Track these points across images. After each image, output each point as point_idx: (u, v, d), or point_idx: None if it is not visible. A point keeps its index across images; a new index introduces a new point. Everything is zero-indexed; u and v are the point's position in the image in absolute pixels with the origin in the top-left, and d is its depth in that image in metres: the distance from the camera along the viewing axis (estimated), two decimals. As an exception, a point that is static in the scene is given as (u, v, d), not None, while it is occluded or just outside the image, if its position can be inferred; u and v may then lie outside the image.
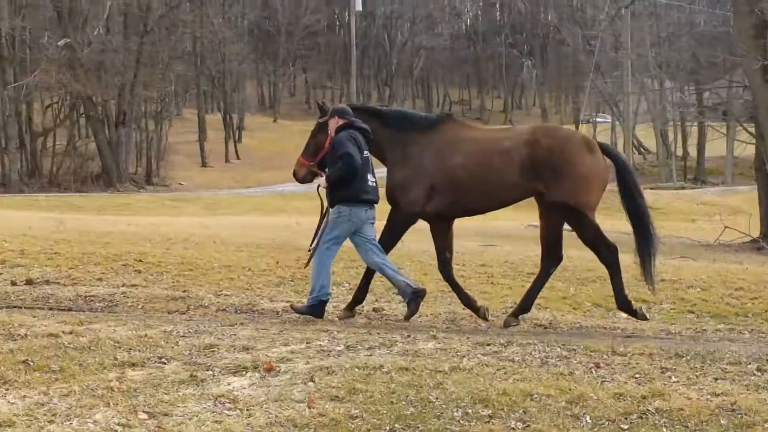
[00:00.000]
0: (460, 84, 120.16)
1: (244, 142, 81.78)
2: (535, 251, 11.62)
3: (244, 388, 6.84)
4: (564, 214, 10.59)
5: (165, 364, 7.41)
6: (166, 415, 6.24)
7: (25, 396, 6.60)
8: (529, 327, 10.76)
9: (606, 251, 10.57)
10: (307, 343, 8.16)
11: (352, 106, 11.24)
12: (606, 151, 10.85)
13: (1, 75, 53.28)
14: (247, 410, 6.38)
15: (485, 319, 10.86)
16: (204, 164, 70.59)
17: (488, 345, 8.18)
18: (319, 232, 10.69)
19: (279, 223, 27.42)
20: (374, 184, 10.73)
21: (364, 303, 11.19)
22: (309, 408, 6.39)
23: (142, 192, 55.37)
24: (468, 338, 8.62)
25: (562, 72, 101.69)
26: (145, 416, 6.20)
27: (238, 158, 76.51)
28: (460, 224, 11.41)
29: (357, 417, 6.29)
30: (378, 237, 10.74)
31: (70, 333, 8.24)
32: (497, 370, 7.34)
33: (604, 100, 75.64)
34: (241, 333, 8.58)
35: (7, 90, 52.21)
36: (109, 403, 6.41)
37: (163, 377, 7.02)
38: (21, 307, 10.95)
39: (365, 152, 10.61)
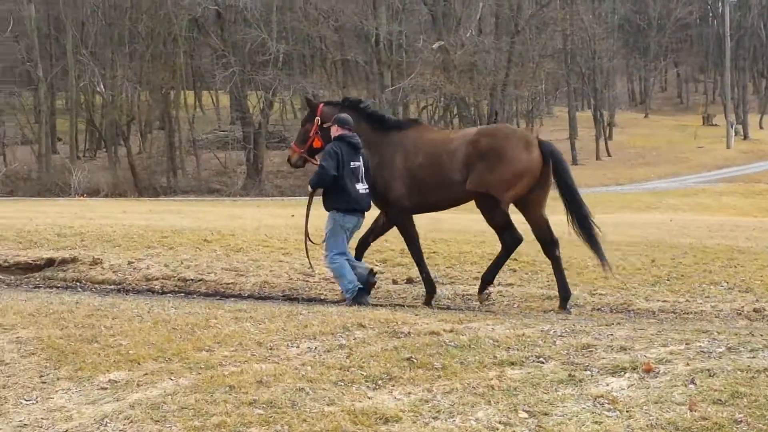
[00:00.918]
0: None
1: (615, 138, 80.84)
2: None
3: (623, 389, 6.71)
4: (481, 201, 11.52)
5: (543, 363, 7.40)
6: (545, 414, 6.23)
7: (410, 392, 6.80)
8: None
9: (510, 238, 11.64)
10: (686, 344, 7.91)
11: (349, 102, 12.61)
12: (544, 148, 11.49)
13: (379, 78, 55.42)
14: (626, 411, 6.25)
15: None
16: (575, 162, 70.41)
17: None
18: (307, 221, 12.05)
19: (652, 220, 26.85)
20: (365, 191, 11.73)
21: None
22: (690, 411, 6.19)
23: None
24: None
25: None
26: (525, 415, 6.22)
27: (609, 155, 75.68)
28: None
29: (741, 422, 6.01)
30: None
31: (451, 331, 8.41)
32: None
33: None
34: (618, 333, 8.43)
35: (385, 93, 54.21)
36: (490, 401, 6.48)
37: (542, 376, 7.01)
38: (403, 305, 11.35)
39: (352, 163, 11.59)
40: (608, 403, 6.37)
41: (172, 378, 7.36)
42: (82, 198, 48.14)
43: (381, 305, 11.47)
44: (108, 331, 9.02)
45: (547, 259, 11.93)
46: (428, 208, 12.32)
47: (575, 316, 10.34)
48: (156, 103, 60.73)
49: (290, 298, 12.38)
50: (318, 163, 12.20)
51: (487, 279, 11.84)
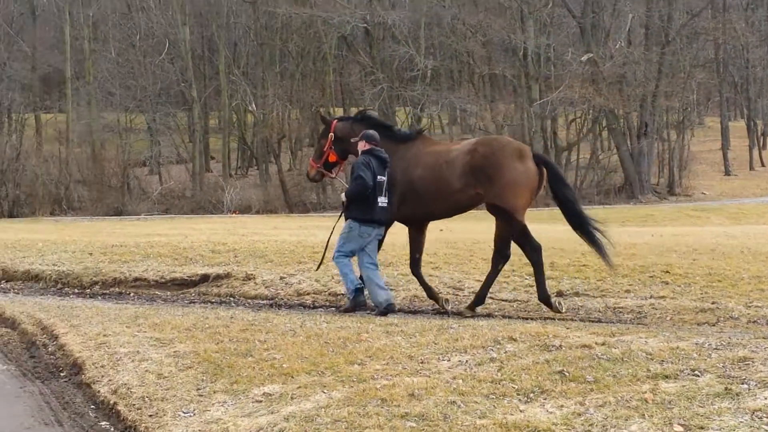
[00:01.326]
0: None
1: (770, 148, 78.74)
2: None
3: (782, 404, 6.54)
4: (495, 214, 12.09)
5: (698, 376, 7.24)
6: (701, 428, 6.09)
7: (562, 405, 6.74)
8: None
9: (530, 249, 12.23)
10: None
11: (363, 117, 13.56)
12: (539, 159, 12.13)
13: (527, 92, 55.20)
14: (786, 428, 6.09)
15: (445, 310, 12.43)
16: (727, 173, 68.77)
17: None
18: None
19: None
20: (384, 205, 12.34)
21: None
22: None
23: (665, 202, 55.02)
24: None
25: None
26: (680, 429, 6.09)
27: (762, 165, 73.70)
28: None
29: None
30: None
31: (603, 344, 8.30)
32: None
33: None
34: (776, 347, 8.21)
35: (533, 106, 53.96)
36: (644, 415, 6.37)
37: (697, 390, 6.86)
38: (553, 319, 11.27)
39: (379, 177, 12.24)
40: (766, 417, 6.20)
41: (325, 391, 7.45)
42: (234, 215, 49.14)
43: (532, 318, 11.42)
44: (262, 345, 9.19)
45: (698, 271, 11.73)
46: (430, 216, 12.92)
47: (730, 329, 10.09)
48: (306, 120, 61.58)
49: (440, 312, 12.40)
50: (334, 176, 13.62)
51: (543, 298, 12.13)
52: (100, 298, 15.02)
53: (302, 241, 18.72)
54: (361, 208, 12.31)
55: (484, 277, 12.69)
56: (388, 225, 12.72)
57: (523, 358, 8.01)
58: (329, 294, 13.99)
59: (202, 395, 7.76)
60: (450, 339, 8.94)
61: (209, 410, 7.40)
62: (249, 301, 13.90)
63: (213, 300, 14.42)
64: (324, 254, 13.25)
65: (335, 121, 13.53)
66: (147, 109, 61.09)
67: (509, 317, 11.73)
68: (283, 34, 62.92)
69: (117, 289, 15.52)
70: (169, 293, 15.02)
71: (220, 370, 8.32)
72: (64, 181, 55.99)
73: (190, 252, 17.25)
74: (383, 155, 12.45)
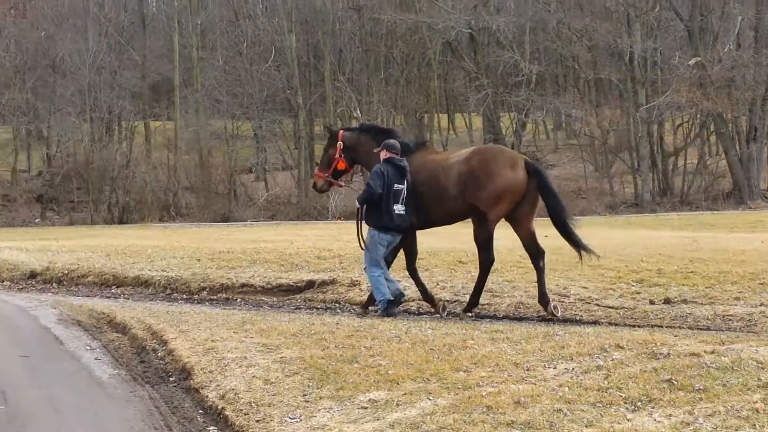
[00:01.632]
0: None
1: None
2: None
3: None
4: (473, 215, 12.77)
5: (811, 387, 7.11)
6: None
7: (670, 415, 6.66)
8: None
9: (485, 256, 12.81)
10: None
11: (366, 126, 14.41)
12: (530, 168, 12.76)
13: (633, 97, 54.47)
14: None
15: (440, 312, 12.94)
16: (842, 178, 66.98)
17: None
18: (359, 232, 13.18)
19: None
20: (402, 212, 12.80)
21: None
22: None
23: (776, 208, 53.86)
24: None
25: None
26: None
27: None
28: None
29: None
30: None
31: (712, 353, 8.17)
32: None
33: None
34: None
35: (639, 111, 53.24)
36: (755, 425, 6.27)
37: (811, 401, 6.74)
38: (661, 326, 11.12)
39: (396, 185, 12.72)
40: None
41: (431, 398, 7.46)
42: (339, 221, 49.34)
43: (638, 326, 11.28)
44: (367, 351, 9.24)
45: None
46: (431, 223, 13.46)
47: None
48: (410, 126, 61.59)
49: (545, 319, 12.33)
50: (342, 184, 14.68)
51: (473, 303, 12.88)
52: (207, 303, 15.25)
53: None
54: (376, 216, 12.85)
55: (590, 284, 12.68)
56: (407, 232, 13.13)
57: (630, 366, 7.94)
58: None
59: (308, 401, 7.84)
60: (556, 346, 8.89)
61: (315, 416, 7.47)
62: (354, 307, 13.96)
63: (318, 306, 14.52)
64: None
65: (342, 131, 14.12)
66: (253, 116, 61.75)
67: (615, 324, 11.61)
68: (388, 40, 63.12)
69: (224, 294, 15.73)
70: (275, 299, 15.16)
71: (326, 376, 8.39)
72: (172, 188, 56.86)
73: (296, 258, 17.40)
74: (402, 164, 12.96)
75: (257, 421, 7.64)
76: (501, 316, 12.86)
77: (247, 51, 62.89)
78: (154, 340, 10.92)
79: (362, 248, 13.07)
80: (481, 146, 15.59)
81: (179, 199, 56.69)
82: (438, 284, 14.66)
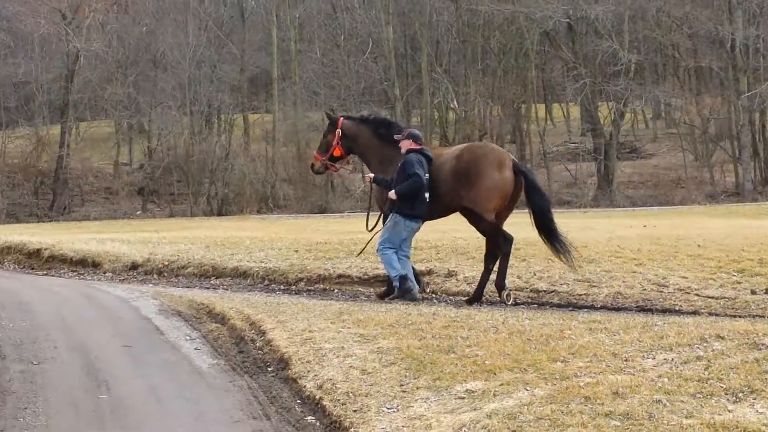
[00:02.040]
0: None
1: None
2: None
3: None
4: (466, 215, 13.59)
5: None
6: None
7: (773, 406, 6.56)
8: None
9: (503, 241, 13.35)
10: None
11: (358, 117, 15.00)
12: (517, 168, 13.48)
13: (734, 84, 53.48)
14: None
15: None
16: None
17: None
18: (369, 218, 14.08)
19: None
20: (427, 200, 13.30)
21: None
22: None
23: None
24: None
25: None
26: None
27: None
28: None
29: None
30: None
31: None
32: None
33: None
34: None
35: (740, 99, 52.25)
36: None
37: None
38: (762, 316, 10.93)
39: (426, 174, 13.18)
40: None
41: (528, 388, 7.44)
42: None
43: (740, 316, 11.10)
44: (464, 341, 9.23)
45: None
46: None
47: None
48: (507, 117, 61.33)
49: (644, 309, 12.20)
50: (338, 168, 15.47)
51: (501, 285, 13.31)
52: (305, 294, 15.35)
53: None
54: (410, 204, 13.22)
55: (689, 274, 12.56)
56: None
57: (731, 357, 7.81)
58: (531, 290, 13.93)
59: (405, 391, 7.86)
60: (655, 336, 8.78)
61: (412, 406, 7.49)
62: (451, 297, 13.97)
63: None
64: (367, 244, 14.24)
65: (341, 118, 14.77)
66: (350, 108, 61.96)
67: (716, 315, 11.44)
68: (485, 30, 62.77)
69: (321, 285, 15.83)
70: (371, 290, 15.21)
71: (423, 366, 8.40)
72: (270, 180, 57.28)
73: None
74: (430, 154, 13.52)
75: (354, 411, 7.68)
76: (599, 306, 12.76)
77: (344, 43, 63.17)
78: (253, 331, 11.03)
79: (368, 230, 13.88)
80: (473, 143, 15.92)
81: (277, 190, 57.14)
82: (535, 274, 14.59)
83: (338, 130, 14.56)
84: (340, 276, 16.09)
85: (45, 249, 21.10)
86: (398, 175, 13.33)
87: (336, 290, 15.70)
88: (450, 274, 15.21)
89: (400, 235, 13.34)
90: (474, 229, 13.90)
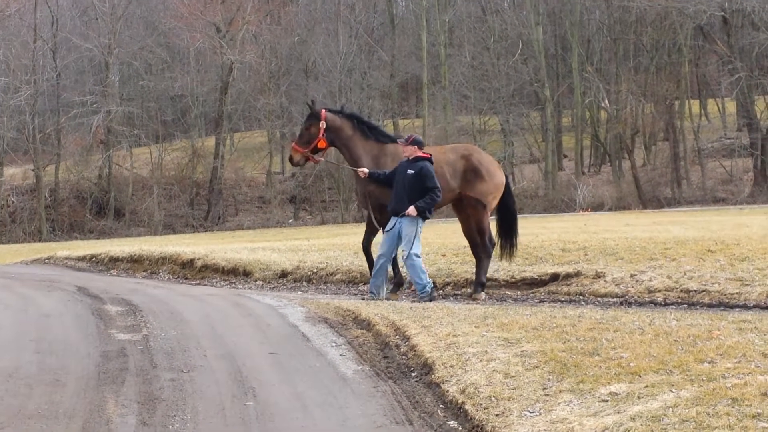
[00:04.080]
0: None
1: None
2: None
3: None
4: (474, 207, 14.74)
5: None
6: None
7: None
8: None
9: (489, 242, 14.88)
10: None
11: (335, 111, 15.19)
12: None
13: None
14: None
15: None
16: None
17: None
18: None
19: None
20: None
21: None
22: None
23: None
24: None
25: None
26: None
27: None
28: None
29: None
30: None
31: None
32: None
33: None
34: None
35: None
36: None
37: None
38: None
39: None
40: None
41: (673, 390, 7.29)
42: (586, 212, 48.85)
43: None
44: (609, 344, 9.10)
45: None
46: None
47: None
48: (660, 114, 60.30)
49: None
50: (320, 160, 16.28)
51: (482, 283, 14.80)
52: (451, 298, 15.33)
53: (653, 237, 18.27)
54: (430, 209, 14.09)
55: None
56: None
57: None
58: (681, 290, 13.61)
59: (547, 394, 7.79)
60: (807, 337, 8.51)
61: (555, 410, 7.42)
62: (598, 299, 13.77)
63: (562, 299, 14.39)
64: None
65: (324, 110, 15.03)
66: (500, 111, 61.83)
67: None
68: (636, 27, 61.93)
69: (468, 289, 15.78)
70: (518, 293, 15.11)
71: (567, 369, 8.31)
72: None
73: (540, 251, 17.26)
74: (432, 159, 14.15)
75: (496, 415, 7.63)
76: (751, 305, 12.41)
77: (494, 45, 63.09)
78: (397, 336, 11.06)
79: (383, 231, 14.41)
80: (470, 145, 16.67)
81: (428, 195, 57.38)
82: (685, 274, 14.25)
83: (322, 122, 14.77)
84: (487, 279, 16.03)
85: (198, 259, 21.54)
86: (414, 183, 13.87)
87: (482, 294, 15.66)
88: (598, 276, 14.98)
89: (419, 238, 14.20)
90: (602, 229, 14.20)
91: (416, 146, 14.02)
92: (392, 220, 14.19)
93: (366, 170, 14.53)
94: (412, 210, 13.75)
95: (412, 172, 13.87)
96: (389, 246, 14.22)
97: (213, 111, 62.66)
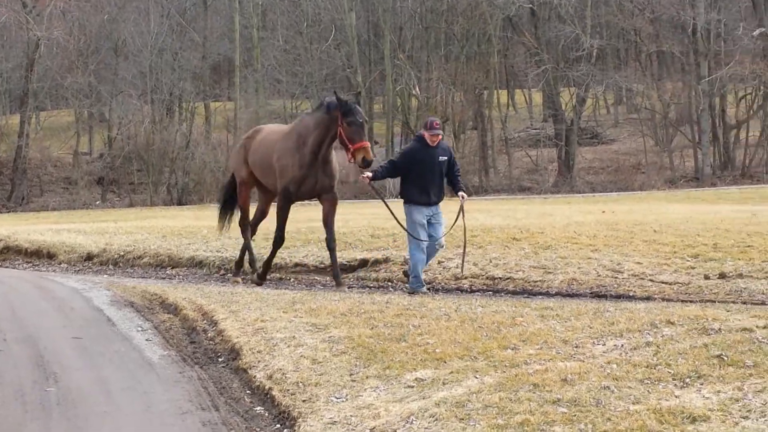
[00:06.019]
0: None
1: None
2: None
3: None
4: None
5: None
6: None
7: (719, 391, 6.55)
8: None
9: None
10: None
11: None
12: None
13: (695, 69, 53.74)
14: None
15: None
16: None
17: None
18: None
19: None
20: None
21: None
22: None
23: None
24: None
25: None
26: None
27: None
28: None
29: None
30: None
31: (764, 327, 8.04)
32: None
33: None
34: None
35: (701, 84, 52.53)
36: (802, 402, 6.15)
37: None
38: (714, 301, 10.96)
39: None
40: None
41: (477, 376, 7.42)
42: (396, 200, 49.23)
43: (691, 301, 11.13)
44: (416, 330, 9.20)
45: None
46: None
47: None
48: (469, 103, 61.30)
49: (598, 296, 12.22)
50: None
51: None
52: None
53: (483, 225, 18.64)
54: None
55: (644, 260, 12.71)
56: None
57: (680, 342, 7.83)
58: (487, 278, 13.90)
59: (354, 380, 7.83)
60: (605, 323, 8.80)
61: (361, 395, 7.46)
62: (406, 286, 13.93)
63: (371, 285, 14.52)
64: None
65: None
66: (313, 96, 61.74)
67: (669, 300, 11.48)
68: (448, 16, 62.70)
69: (278, 274, 15.73)
70: (327, 278, 15.13)
71: (374, 355, 8.37)
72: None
73: (350, 237, 17.34)
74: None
75: (303, 401, 7.64)
76: (554, 293, 12.78)
77: (307, 30, 62.91)
78: (205, 321, 10.96)
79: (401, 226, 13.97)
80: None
81: (239, 179, 56.95)
82: (491, 261, 14.55)
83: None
84: (296, 265, 16.02)
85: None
86: (445, 169, 13.46)
87: (292, 279, 15.66)
88: (406, 262, 15.13)
89: None
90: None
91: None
92: (422, 214, 13.41)
93: (369, 174, 14.27)
94: (464, 196, 13.38)
95: (445, 158, 13.32)
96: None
97: (18, 88, 60.52)
